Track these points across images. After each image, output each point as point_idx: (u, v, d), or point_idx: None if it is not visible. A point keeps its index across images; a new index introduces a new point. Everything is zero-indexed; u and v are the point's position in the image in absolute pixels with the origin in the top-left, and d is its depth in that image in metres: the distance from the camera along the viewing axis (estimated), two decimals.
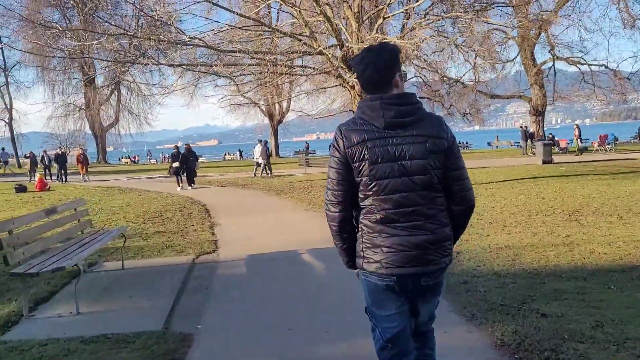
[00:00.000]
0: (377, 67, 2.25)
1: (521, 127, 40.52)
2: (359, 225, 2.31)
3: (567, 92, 31.57)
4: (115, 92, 59.58)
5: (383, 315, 2.33)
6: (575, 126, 32.38)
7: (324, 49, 13.30)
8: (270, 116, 52.83)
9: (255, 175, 23.43)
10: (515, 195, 12.24)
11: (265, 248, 7.33)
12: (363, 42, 12.83)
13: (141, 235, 8.76)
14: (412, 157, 2.19)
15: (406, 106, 2.24)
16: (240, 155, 61.08)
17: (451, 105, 38.17)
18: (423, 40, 14.07)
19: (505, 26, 29.89)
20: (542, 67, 34.09)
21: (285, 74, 14.57)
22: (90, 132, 59.77)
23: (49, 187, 19.70)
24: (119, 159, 69.27)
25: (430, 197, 2.24)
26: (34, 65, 51.75)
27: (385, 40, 15.63)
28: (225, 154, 63.59)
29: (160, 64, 17.92)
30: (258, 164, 23.70)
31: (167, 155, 56.58)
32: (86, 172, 23.87)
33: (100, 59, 19.47)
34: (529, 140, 31.12)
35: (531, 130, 32.42)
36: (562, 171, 18.65)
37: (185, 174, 18.10)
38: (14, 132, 56.79)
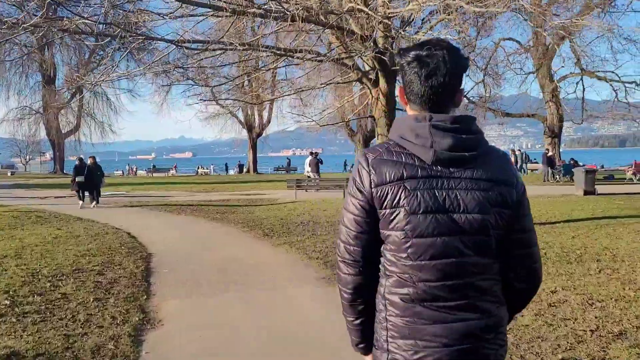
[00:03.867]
0: (449, 74, 1.54)
1: (512, 150, 36.11)
2: (383, 301, 1.58)
3: (601, 111, 27.47)
4: (77, 95, 53.77)
5: None
6: (510, 151, 28.67)
7: (347, 11, 8.45)
8: (249, 128, 47.73)
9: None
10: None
11: None
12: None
13: None
14: (468, 210, 1.50)
15: (468, 135, 1.54)
16: (226, 170, 55.00)
17: None
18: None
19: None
20: (561, 83, 30.09)
21: (279, 54, 9.70)
22: (47, 138, 53.63)
23: None
24: None
25: (486, 265, 1.54)
26: None
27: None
28: (198, 168, 57.82)
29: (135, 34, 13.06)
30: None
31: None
32: None
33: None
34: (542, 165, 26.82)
35: (550, 153, 28.18)
36: (632, 208, 14.12)
37: (88, 190, 16.36)
38: None
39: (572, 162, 29.39)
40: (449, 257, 1.50)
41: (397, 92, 1.59)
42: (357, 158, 1.62)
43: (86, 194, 16.34)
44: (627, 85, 24.48)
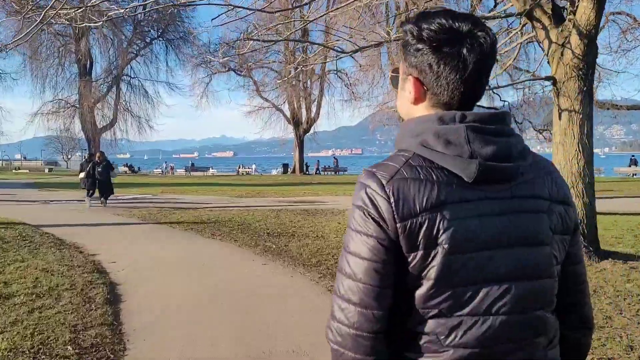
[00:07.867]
0: (491, 58, 1.08)
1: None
2: None
3: None
4: (114, 87, 50.39)
5: None
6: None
7: None
8: (296, 124, 42.86)
9: None
10: None
11: None
12: None
13: None
14: (529, 242, 1.04)
15: (508, 137, 1.06)
16: (286, 170, 47.03)
17: (524, 118, 28.49)
18: None
19: None
20: None
21: None
22: (82, 133, 50.31)
23: None
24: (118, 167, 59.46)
25: (547, 321, 1.07)
26: (19, 50, 42.16)
27: None
28: (239, 167, 53.40)
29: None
30: None
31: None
32: None
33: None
34: None
35: None
36: None
37: (93, 187, 14.97)
38: None
39: None
40: (507, 312, 1.01)
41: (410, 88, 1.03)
42: (360, 179, 1.06)
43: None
44: None
